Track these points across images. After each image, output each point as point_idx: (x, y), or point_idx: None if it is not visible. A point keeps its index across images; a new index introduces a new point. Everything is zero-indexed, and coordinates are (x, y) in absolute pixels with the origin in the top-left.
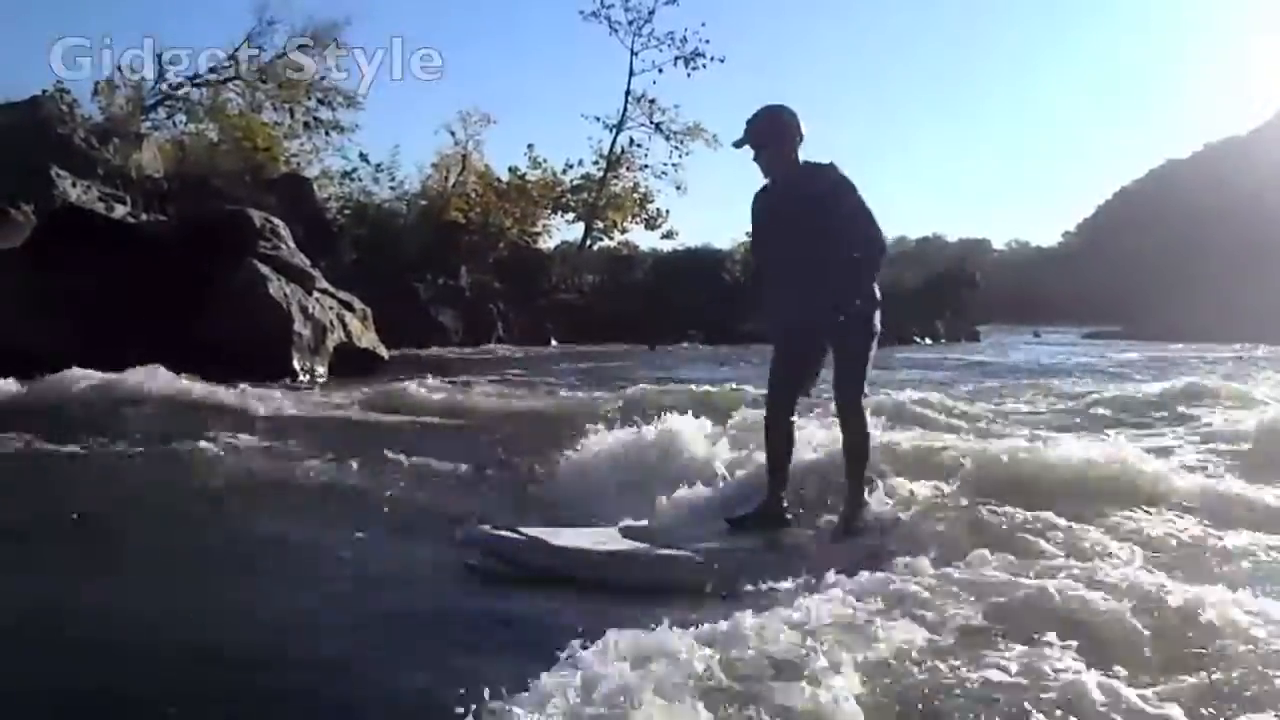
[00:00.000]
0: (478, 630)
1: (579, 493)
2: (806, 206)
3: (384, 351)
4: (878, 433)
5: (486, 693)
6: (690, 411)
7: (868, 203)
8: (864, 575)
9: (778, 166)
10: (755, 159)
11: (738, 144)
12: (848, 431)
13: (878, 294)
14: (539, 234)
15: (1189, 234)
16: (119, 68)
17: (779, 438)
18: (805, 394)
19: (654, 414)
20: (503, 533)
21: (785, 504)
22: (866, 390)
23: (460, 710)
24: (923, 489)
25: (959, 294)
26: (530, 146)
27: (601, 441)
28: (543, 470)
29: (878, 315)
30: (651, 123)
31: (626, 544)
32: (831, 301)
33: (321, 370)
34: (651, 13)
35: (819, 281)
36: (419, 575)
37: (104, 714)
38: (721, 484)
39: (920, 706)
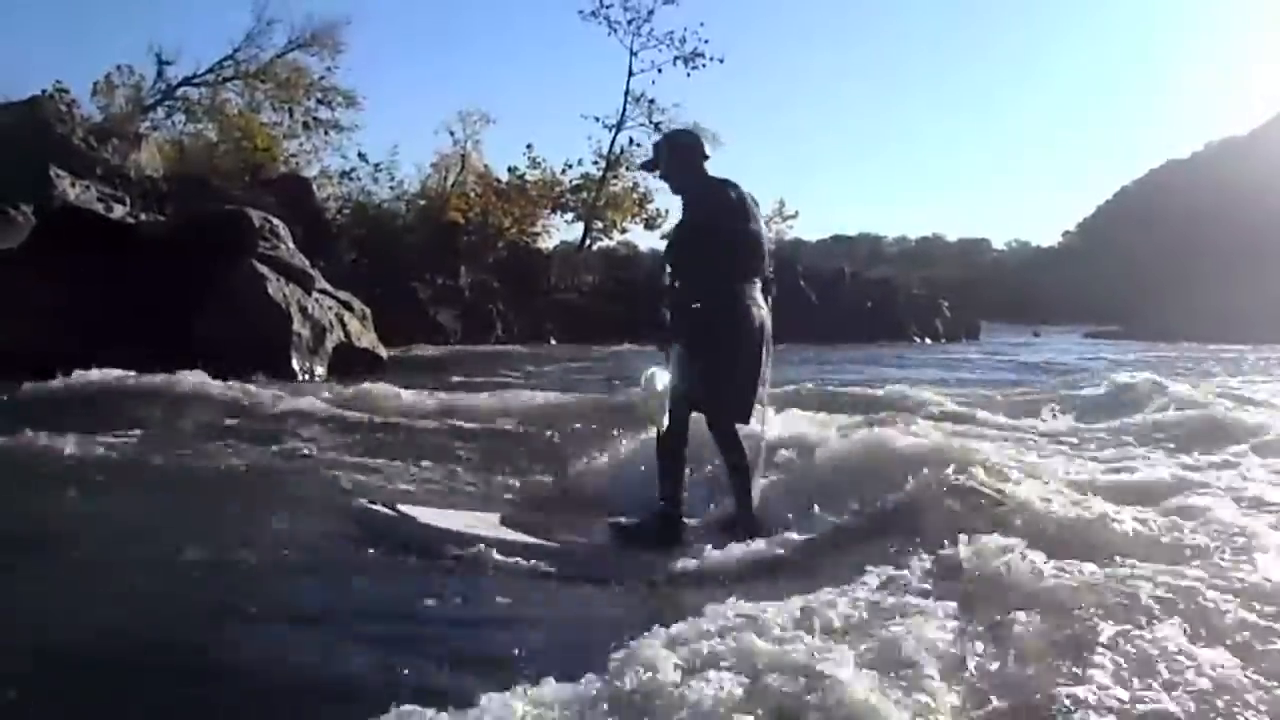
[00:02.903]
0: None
1: None
2: (692, 233)
3: (383, 351)
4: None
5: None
6: None
7: (762, 228)
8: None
9: (679, 186)
10: (660, 177)
11: (644, 166)
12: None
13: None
14: (538, 234)
15: (1189, 234)
16: (118, 67)
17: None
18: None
19: None
20: (377, 508)
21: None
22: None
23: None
24: None
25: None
26: (529, 146)
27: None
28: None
29: (721, 333)
30: (651, 122)
31: (500, 530)
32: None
33: (320, 370)
34: (650, 12)
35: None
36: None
37: None
38: None
39: None
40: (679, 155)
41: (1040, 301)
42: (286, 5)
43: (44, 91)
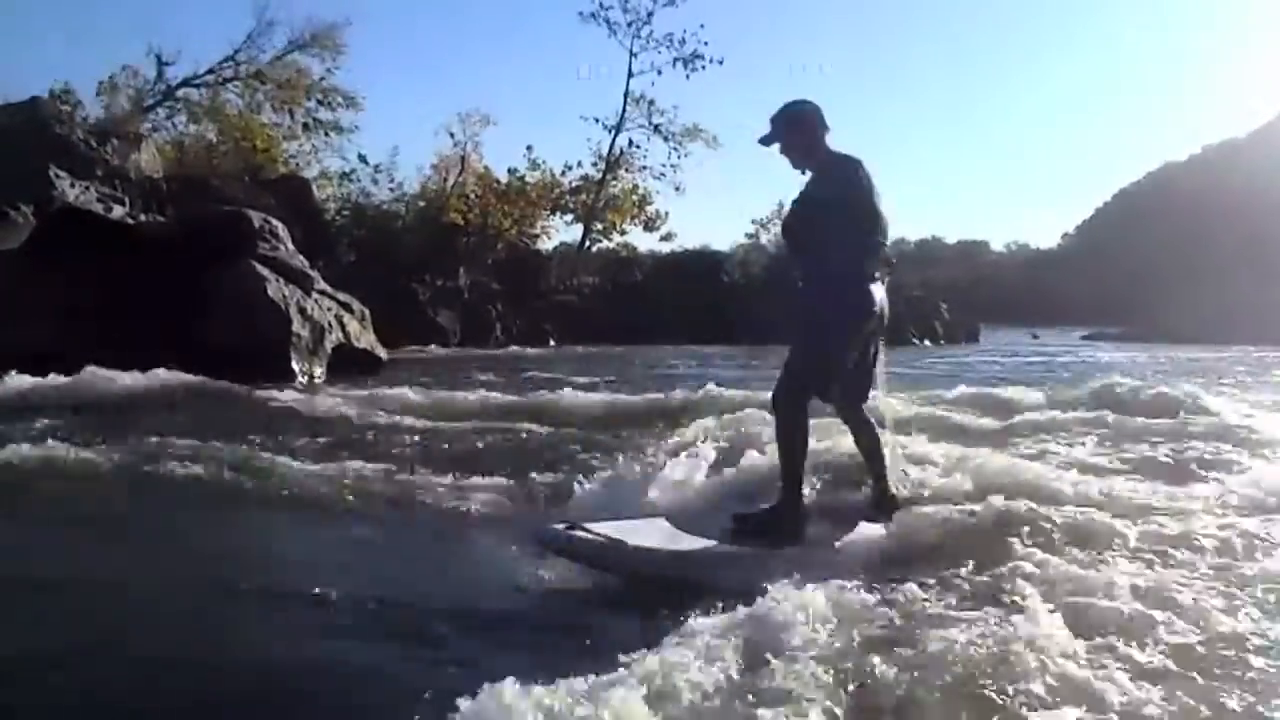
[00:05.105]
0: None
1: None
2: (818, 209)
3: (382, 352)
4: None
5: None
6: None
7: (876, 201)
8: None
9: (801, 160)
10: (781, 152)
11: (761, 141)
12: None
13: (833, 297)
14: (538, 235)
15: (1187, 236)
16: (122, 68)
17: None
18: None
19: None
20: (578, 533)
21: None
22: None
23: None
24: None
25: None
26: (529, 148)
27: None
28: None
29: (830, 312)
30: (650, 124)
31: (688, 540)
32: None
33: (320, 371)
34: (650, 14)
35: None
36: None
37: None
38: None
39: None
40: (799, 127)
41: (1039, 303)
42: (287, 6)
43: (49, 92)
